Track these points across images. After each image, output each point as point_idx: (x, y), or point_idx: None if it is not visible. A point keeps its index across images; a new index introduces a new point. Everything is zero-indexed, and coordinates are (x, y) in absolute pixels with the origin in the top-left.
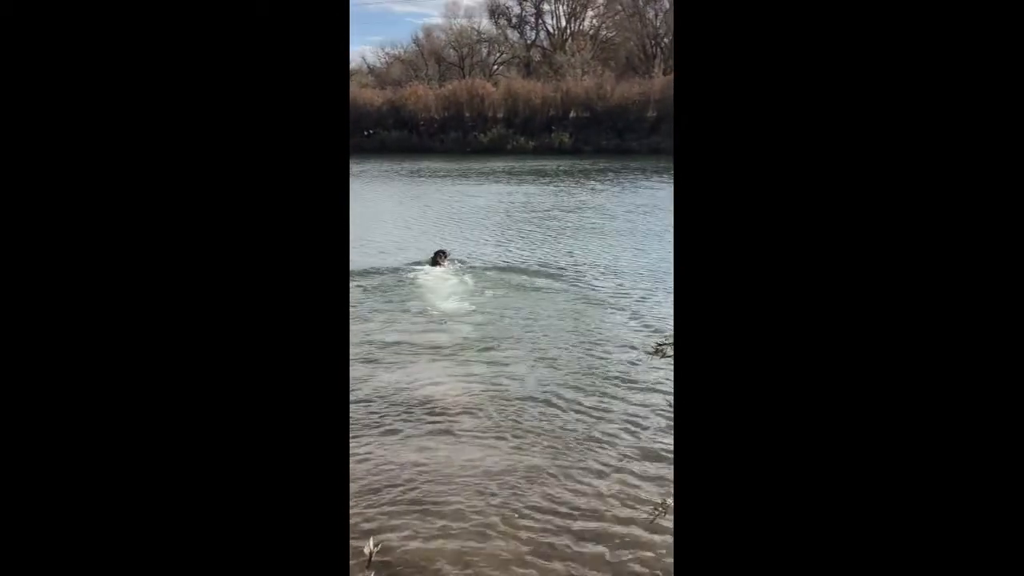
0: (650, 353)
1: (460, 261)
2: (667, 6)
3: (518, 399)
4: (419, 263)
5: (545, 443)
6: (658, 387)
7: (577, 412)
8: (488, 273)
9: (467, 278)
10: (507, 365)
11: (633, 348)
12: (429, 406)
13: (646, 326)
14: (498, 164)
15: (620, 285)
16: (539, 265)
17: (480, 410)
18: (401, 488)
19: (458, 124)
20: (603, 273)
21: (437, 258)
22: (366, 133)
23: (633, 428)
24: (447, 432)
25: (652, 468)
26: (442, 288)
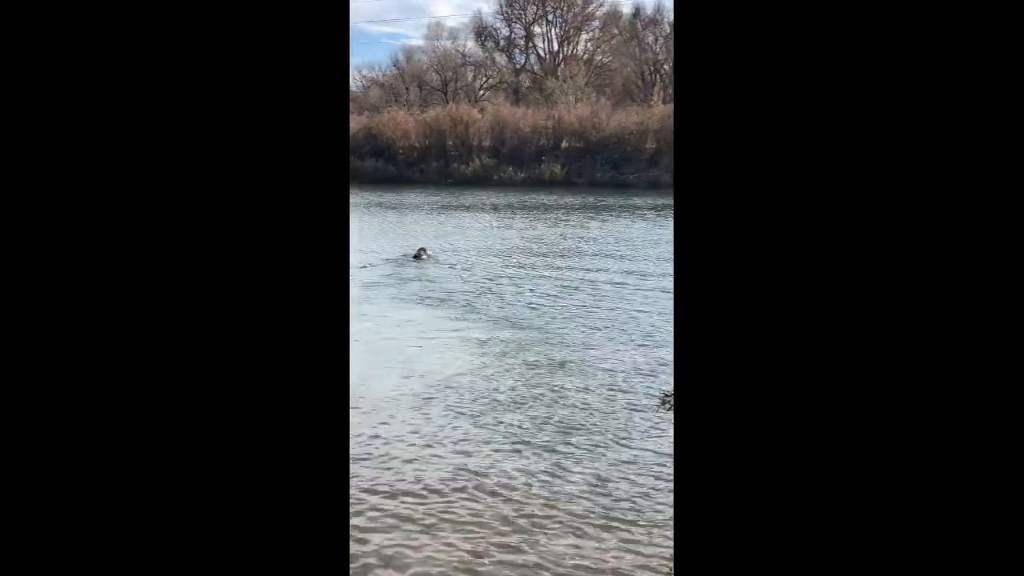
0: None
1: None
2: (667, 31)
3: None
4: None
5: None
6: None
7: None
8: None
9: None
10: None
11: None
12: None
13: None
14: (483, 198)
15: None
16: None
17: None
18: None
19: (440, 153)
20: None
21: (419, 252)
22: None
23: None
24: None
25: None
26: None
